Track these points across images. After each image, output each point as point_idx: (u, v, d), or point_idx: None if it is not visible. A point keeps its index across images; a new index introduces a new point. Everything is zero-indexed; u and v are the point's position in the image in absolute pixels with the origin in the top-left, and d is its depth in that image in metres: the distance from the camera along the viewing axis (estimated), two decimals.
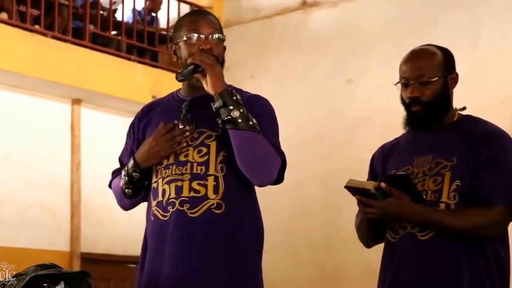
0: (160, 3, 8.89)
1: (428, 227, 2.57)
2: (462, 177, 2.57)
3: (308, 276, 7.85)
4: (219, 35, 2.59)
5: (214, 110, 2.47)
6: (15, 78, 7.23)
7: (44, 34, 7.51)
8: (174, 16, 8.87)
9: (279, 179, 2.60)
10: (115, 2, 8.49)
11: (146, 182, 2.60)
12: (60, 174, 7.70)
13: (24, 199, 7.40)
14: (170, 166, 2.54)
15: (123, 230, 7.84)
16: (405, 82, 2.68)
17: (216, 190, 2.50)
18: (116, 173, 2.74)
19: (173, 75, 8.68)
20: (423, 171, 2.64)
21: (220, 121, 2.46)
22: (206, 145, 2.52)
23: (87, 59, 7.67)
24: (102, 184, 8.39)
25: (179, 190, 2.50)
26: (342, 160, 7.51)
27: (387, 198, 2.55)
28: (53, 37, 7.55)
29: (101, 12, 8.30)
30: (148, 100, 7.86)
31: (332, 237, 7.60)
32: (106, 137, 7.95)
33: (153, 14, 8.98)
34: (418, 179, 2.63)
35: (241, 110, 2.44)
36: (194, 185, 2.50)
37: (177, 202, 2.50)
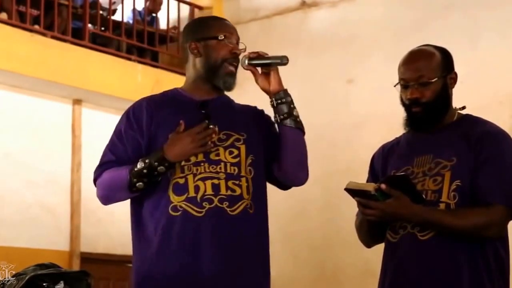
0: (160, 3, 8.89)
1: (428, 227, 2.57)
2: (462, 177, 2.57)
3: (308, 275, 7.84)
4: (242, 46, 2.74)
5: (275, 105, 2.63)
6: (16, 78, 7.23)
7: (44, 34, 7.51)
8: (174, 16, 8.88)
9: None
10: (114, 2, 8.48)
11: (160, 179, 2.57)
12: (61, 174, 7.70)
13: (24, 199, 7.40)
14: (202, 164, 2.57)
15: (123, 230, 7.80)
16: (404, 84, 2.68)
17: (248, 191, 2.59)
18: (106, 165, 2.66)
19: (174, 75, 8.69)
20: (423, 171, 2.64)
21: (279, 115, 2.62)
22: (237, 147, 2.60)
23: (87, 59, 7.67)
24: None
25: (216, 187, 2.55)
26: (342, 160, 7.51)
27: (387, 199, 2.54)
28: (53, 37, 7.55)
29: (101, 12, 8.30)
30: None
31: (331, 237, 7.59)
32: (107, 137, 7.92)
33: (153, 14, 8.98)
34: (418, 179, 2.63)
35: (296, 111, 2.64)
36: (230, 184, 2.56)
37: (215, 199, 2.54)
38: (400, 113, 2.73)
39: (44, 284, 2.60)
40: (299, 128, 2.64)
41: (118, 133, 2.68)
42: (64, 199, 7.71)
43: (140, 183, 2.54)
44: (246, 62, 2.65)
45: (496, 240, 2.59)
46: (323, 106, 7.96)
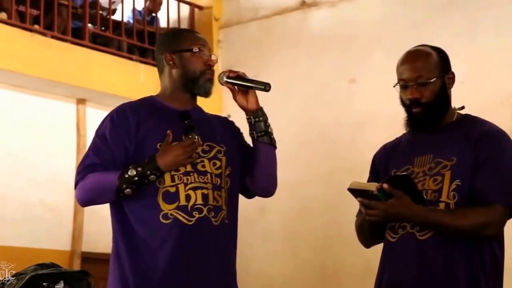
0: (160, 3, 8.88)
1: (428, 227, 2.57)
2: (462, 177, 2.57)
3: (309, 275, 7.84)
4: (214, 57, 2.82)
5: (253, 123, 2.73)
6: (19, 78, 7.23)
7: (44, 34, 7.50)
8: (174, 16, 8.87)
9: None
10: (114, 2, 8.48)
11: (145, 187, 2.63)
12: (65, 173, 7.68)
13: (28, 198, 7.39)
14: (191, 174, 2.65)
15: None
16: (403, 84, 2.69)
17: (225, 201, 2.69)
18: (90, 168, 2.66)
19: None
20: (423, 170, 2.64)
21: (257, 133, 2.73)
22: (219, 159, 2.71)
23: (88, 59, 7.67)
24: None
25: (205, 197, 2.64)
26: (344, 160, 7.51)
27: (389, 199, 2.55)
28: (53, 37, 7.55)
29: (101, 12, 8.29)
30: None
31: (333, 237, 7.59)
32: None
33: (153, 14, 8.97)
34: (418, 179, 2.63)
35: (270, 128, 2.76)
36: (215, 194, 2.67)
37: (204, 209, 2.63)
38: (403, 112, 2.74)
39: (44, 283, 2.59)
40: (273, 144, 2.77)
41: (101, 137, 2.72)
42: (67, 198, 7.69)
43: (129, 190, 2.59)
44: (224, 79, 2.74)
45: (493, 240, 2.60)
46: (325, 106, 7.96)
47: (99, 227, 7.80)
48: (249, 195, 2.85)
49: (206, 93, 2.75)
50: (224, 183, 2.69)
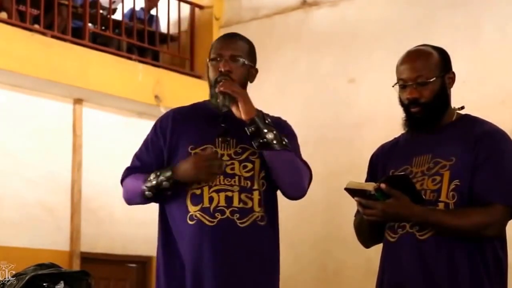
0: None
1: (428, 227, 2.57)
2: (461, 177, 2.57)
3: (309, 276, 7.85)
4: (242, 59, 2.75)
5: (249, 134, 2.66)
6: (16, 77, 7.23)
7: (44, 34, 7.50)
8: (174, 15, 8.87)
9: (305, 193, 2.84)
10: (114, 2, 8.48)
11: (170, 193, 2.70)
12: (61, 173, 7.69)
13: (25, 198, 7.39)
14: (218, 177, 2.68)
15: (123, 229, 7.84)
16: (403, 84, 2.68)
17: (259, 203, 2.71)
18: (131, 170, 2.81)
19: (175, 75, 8.73)
20: (421, 170, 2.64)
21: (255, 145, 2.67)
22: (251, 161, 2.72)
23: (87, 58, 7.67)
24: (103, 184, 8.39)
25: (229, 200, 2.67)
26: (344, 160, 7.51)
27: (387, 199, 2.54)
28: (53, 36, 7.55)
29: (101, 11, 8.29)
30: (150, 100, 7.94)
31: (333, 237, 7.60)
32: (108, 137, 7.95)
33: (154, 14, 8.97)
34: (416, 179, 2.63)
35: (274, 132, 2.67)
36: (243, 197, 2.69)
37: (227, 211, 2.67)
38: (402, 113, 2.73)
39: (44, 284, 2.60)
40: (276, 149, 2.67)
41: (145, 141, 2.83)
42: (65, 198, 7.70)
43: (149, 193, 2.70)
44: (223, 109, 2.72)
45: (494, 240, 2.59)
46: (325, 106, 7.97)
47: (97, 228, 7.81)
48: (291, 198, 2.84)
49: (220, 105, 2.72)
50: (259, 185, 2.71)
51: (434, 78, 2.64)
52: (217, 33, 8.79)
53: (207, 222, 2.65)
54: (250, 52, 2.82)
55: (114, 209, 7.54)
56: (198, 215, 2.67)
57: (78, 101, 7.84)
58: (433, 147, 2.65)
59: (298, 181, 2.73)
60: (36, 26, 7.54)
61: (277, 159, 2.68)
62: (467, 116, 2.73)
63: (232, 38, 2.83)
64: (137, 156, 2.82)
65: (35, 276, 2.63)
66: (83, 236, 7.76)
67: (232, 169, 2.70)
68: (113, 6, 8.45)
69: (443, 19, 7.36)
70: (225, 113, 2.73)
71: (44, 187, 7.53)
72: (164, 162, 2.75)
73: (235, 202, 2.67)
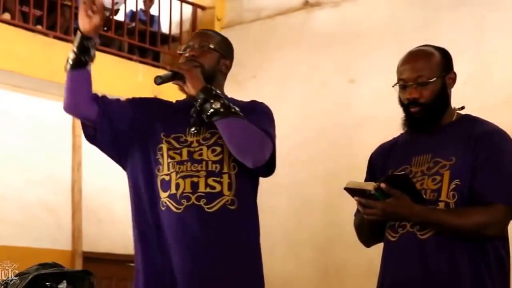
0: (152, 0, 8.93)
1: (429, 227, 2.57)
2: (461, 176, 2.57)
3: (310, 275, 7.85)
4: (209, 45, 2.74)
5: (198, 109, 2.61)
6: (17, 78, 7.25)
7: (46, 34, 7.52)
8: (176, 16, 8.88)
9: (271, 167, 2.71)
10: (117, 3, 8.50)
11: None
12: (61, 173, 7.71)
13: (25, 198, 7.41)
14: (185, 163, 2.66)
15: (124, 229, 7.83)
16: (403, 84, 2.68)
17: (230, 187, 2.65)
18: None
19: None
20: (421, 170, 2.64)
21: (205, 117, 2.60)
22: (220, 145, 2.66)
23: None
24: (103, 183, 8.41)
25: (195, 185, 2.63)
26: (344, 160, 7.51)
27: (386, 199, 2.54)
28: (55, 37, 7.57)
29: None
30: None
31: (333, 237, 7.60)
32: None
33: (155, 14, 8.98)
34: (416, 178, 2.63)
35: (222, 101, 2.60)
36: (210, 181, 2.63)
37: (193, 197, 2.62)
38: (402, 113, 2.74)
39: (47, 283, 2.61)
40: (225, 116, 2.60)
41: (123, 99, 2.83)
42: (65, 198, 7.72)
43: (72, 55, 2.84)
44: (157, 81, 2.68)
45: (496, 240, 2.59)
46: (325, 106, 7.97)
47: (98, 227, 7.82)
48: (257, 174, 2.72)
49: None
50: (230, 168, 2.65)
51: (435, 78, 2.65)
52: None
53: (174, 209, 2.62)
54: (222, 43, 2.80)
55: (115, 208, 7.56)
56: (167, 201, 2.64)
57: None
58: (433, 147, 2.65)
59: (252, 147, 2.61)
60: (39, 27, 7.56)
61: (227, 126, 2.60)
62: (467, 116, 2.73)
63: (203, 31, 2.86)
64: (105, 95, 2.82)
65: (38, 275, 2.63)
66: (85, 235, 7.78)
67: (200, 154, 2.66)
68: (115, 7, 8.47)
69: (445, 19, 7.36)
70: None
71: (45, 187, 7.55)
72: (123, 118, 2.72)
73: (201, 188, 2.62)
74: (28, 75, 7.21)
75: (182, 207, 2.62)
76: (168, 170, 2.66)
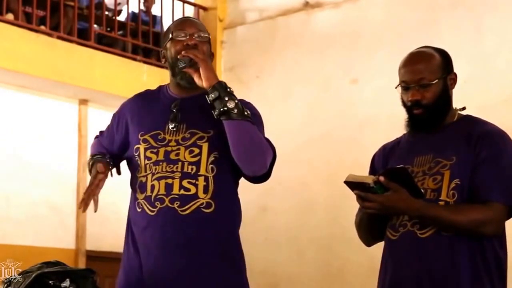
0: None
1: (426, 222, 2.59)
2: (461, 176, 2.59)
3: (313, 273, 7.86)
4: (206, 35, 2.66)
5: (209, 103, 2.51)
6: (22, 78, 7.27)
7: (50, 35, 7.54)
8: (179, 17, 8.90)
9: (268, 174, 2.63)
10: (119, 3, 8.52)
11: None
12: (67, 173, 7.74)
13: (31, 198, 7.44)
14: (160, 163, 2.61)
15: None
16: (405, 86, 2.70)
17: (206, 189, 2.57)
18: (97, 138, 2.96)
19: None
20: (423, 170, 2.66)
21: (215, 113, 2.51)
22: (198, 146, 2.59)
23: (93, 59, 7.71)
24: (107, 183, 8.38)
25: (169, 187, 2.57)
26: (346, 160, 7.53)
27: (385, 192, 2.56)
28: (59, 37, 7.59)
29: (106, 13, 8.33)
30: None
31: (336, 235, 7.61)
32: None
33: (157, 15, 9.00)
34: (418, 178, 2.65)
35: (236, 101, 2.50)
36: (185, 183, 2.56)
37: (166, 199, 2.56)
38: (404, 113, 2.76)
39: (50, 281, 2.61)
40: (237, 119, 2.50)
41: (107, 128, 2.91)
42: (70, 198, 7.75)
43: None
44: (180, 65, 2.59)
45: (494, 239, 2.61)
46: (328, 106, 7.98)
47: (102, 226, 7.85)
48: (249, 179, 2.65)
49: (183, 83, 2.62)
50: (206, 170, 2.56)
51: (436, 80, 2.67)
52: (221, 35, 8.83)
53: (149, 212, 2.58)
54: (205, 29, 2.73)
55: (119, 207, 7.57)
56: (142, 203, 2.61)
57: (83, 102, 7.88)
58: (435, 147, 2.67)
59: (259, 154, 2.53)
60: (42, 28, 7.58)
61: (237, 129, 2.50)
62: (468, 116, 2.75)
63: (192, 19, 2.76)
64: (100, 131, 2.96)
65: (41, 274, 2.64)
66: (89, 234, 7.81)
67: (177, 154, 2.58)
68: (118, 8, 8.49)
69: (445, 20, 7.38)
70: (182, 98, 2.66)
71: (50, 186, 7.57)
72: (117, 146, 2.79)
73: (175, 190, 2.55)
74: (31, 75, 7.24)
75: (155, 209, 2.57)
76: (145, 171, 2.62)
